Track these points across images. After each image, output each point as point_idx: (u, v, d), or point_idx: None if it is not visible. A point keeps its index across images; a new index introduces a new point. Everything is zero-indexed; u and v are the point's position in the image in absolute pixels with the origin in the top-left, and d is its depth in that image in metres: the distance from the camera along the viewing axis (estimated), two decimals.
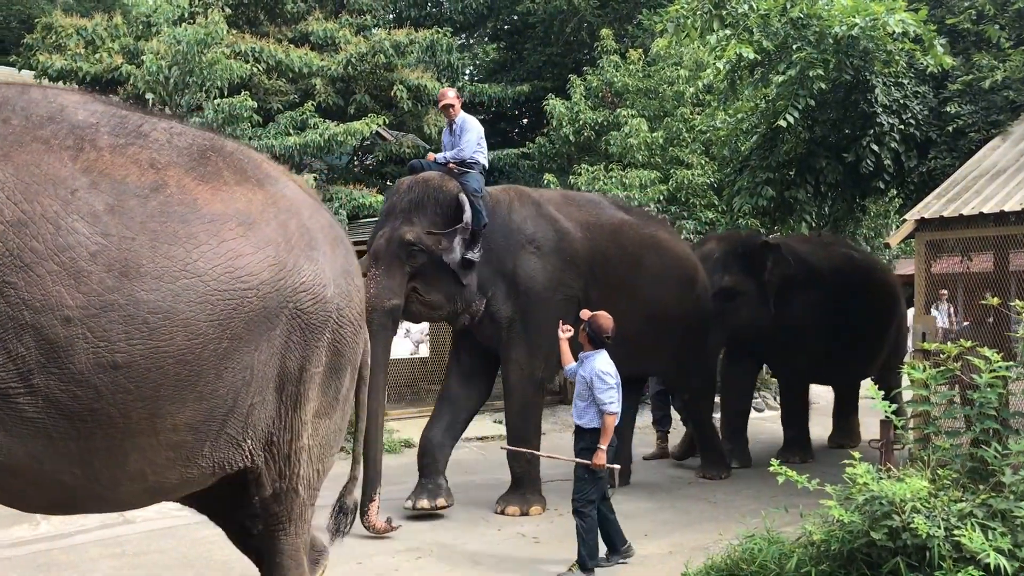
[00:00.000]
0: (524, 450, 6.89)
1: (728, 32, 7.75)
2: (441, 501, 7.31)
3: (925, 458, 4.98)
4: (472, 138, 7.46)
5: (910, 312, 13.19)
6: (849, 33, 7.28)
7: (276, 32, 14.22)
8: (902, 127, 7.86)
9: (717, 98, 9.38)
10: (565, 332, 6.27)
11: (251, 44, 12.89)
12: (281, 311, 3.60)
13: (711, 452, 9.02)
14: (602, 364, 5.82)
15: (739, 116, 9.45)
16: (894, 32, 7.25)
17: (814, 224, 8.83)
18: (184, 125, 3.97)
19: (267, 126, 12.26)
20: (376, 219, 8.43)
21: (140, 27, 12.56)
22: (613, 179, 12.43)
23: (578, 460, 5.81)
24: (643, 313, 7.79)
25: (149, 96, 11.48)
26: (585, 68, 15.67)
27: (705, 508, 7.77)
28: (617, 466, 5.89)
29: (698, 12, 7.58)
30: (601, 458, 5.69)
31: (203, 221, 3.42)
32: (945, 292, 9.84)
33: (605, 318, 5.90)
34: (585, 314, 6.00)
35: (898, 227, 7.42)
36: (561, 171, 14.32)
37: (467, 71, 19.45)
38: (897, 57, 7.73)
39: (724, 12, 7.57)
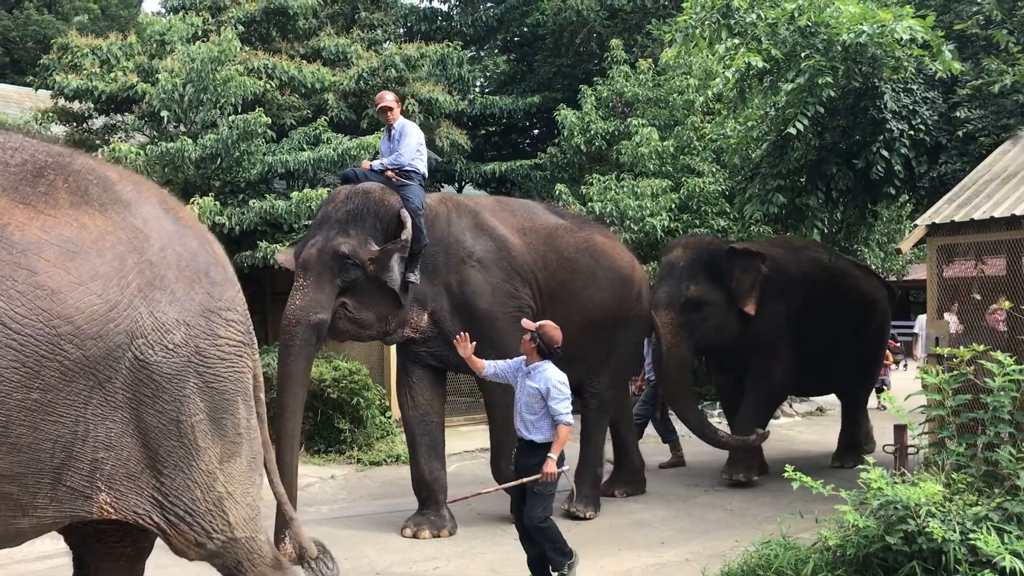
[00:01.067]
0: (469, 495, 6.18)
1: (736, 41, 7.79)
2: (445, 532, 7.11)
3: (940, 462, 5.00)
4: (411, 144, 7.12)
5: (920, 318, 13.20)
6: (857, 41, 7.31)
7: (288, 48, 14.35)
8: (912, 133, 7.87)
9: (727, 106, 9.39)
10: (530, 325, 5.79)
11: (264, 61, 13.01)
12: (116, 362, 3.20)
13: (583, 482, 7.83)
14: (557, 374, 5.62)
15: (749, 124, 9.47)
16: (902, 39, 7.28)
17: (826, 231, 8.79)
18: (32, 139, 3.52)
19: (281, 141, 12.37)
20: None
21: (154, 46, 12.69)
22: (624, 188, 12.47)
23: (530, 480, 5.50)
24: (578, 319, 7.44)
25: (164, 114, 11.60)
26: (595, 78, 15.74)
27: (722, 516, 7.79)
28: (566, 466, 5.67)
29: (706, 22, 7.62)
30: (552, 465, 5.45)
31: (9, 250, 2.97)
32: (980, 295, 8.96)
33: (554, 328, 5.69)
34: (528, 324, 5.75)
35: (910, 232, 7.42)
36: (572, 181, 14.38)
37: (478, 83, 19.56)
38: (906, 63, 7.75)
39: (732, 22, 7.61)
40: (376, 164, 7.20)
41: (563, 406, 5.52)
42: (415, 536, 6.98)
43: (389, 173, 7.04)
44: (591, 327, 7.61)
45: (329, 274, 6.68)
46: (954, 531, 4.34)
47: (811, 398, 14.49)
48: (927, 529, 4.33)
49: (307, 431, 10.54)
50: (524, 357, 5.73)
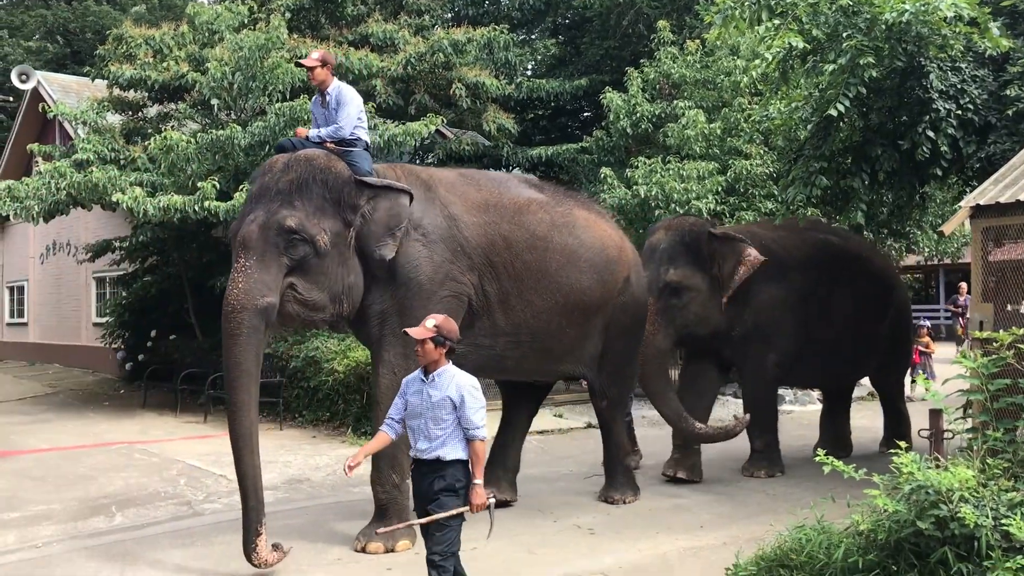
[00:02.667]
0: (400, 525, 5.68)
1: (777, 22, 7.70)
2: (404, 544, 6.28)
3: (976, 447, 4.94)
4: (351, 112, 6.38)
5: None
6: (900, 19, 7.17)
7: (336, 35, 14.52)
8: (959, 112, 7.71)
9: (769, 88, 9.27)
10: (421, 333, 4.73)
11: (312, 48, 13.16)
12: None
13: (614, 472, 7.79)
14: (468, 378, 4.76)
15: (793, 105, 9.35)
16: (947, 16, 7.13)
17: (871, 213, 8.66)
18: None
19: None
20: None
21: (205, 35, 12.95)
22: (671, 171, 12.41)
23: (456, 512, 4.62)
24: (555, 303, 6.92)
25: (214, 102, 11.86)
26: (642, 60, 15.65)
27: (763, 500, 7.76)
28: (493, 499, 4.79)
29: (746, 3, 7.53)
30: (480, 494, 4.65)
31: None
32: None
33: (448, 320, 4.83)
34: (415, 332, 4.72)
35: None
36: (619, 164, 14.34)
37: (528, 67, 19.56)
38: (953, 41, 7.59)
39: (773, 2, 7.51)
40: (312, 134, 6.44)
41: (479, 416, 4.66)
42: (364, 550, 6.19)
43: (329, 145, 6.35)
44: (574, 314, 7.07)
45: (274, 252, 5.96)
46: (987, 517, 4.29)
47: (861, 383, 14.33)
48: (959, 514, 4.28)
49: (355, 413, 10.75)
50: (414, 375, 4.86)
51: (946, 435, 5.43)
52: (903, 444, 4.77)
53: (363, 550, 6.16)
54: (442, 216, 6.59)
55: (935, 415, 5.38)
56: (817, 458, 4.98)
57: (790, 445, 9.83)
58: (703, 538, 6.56)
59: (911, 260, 18.10)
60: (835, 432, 9.81)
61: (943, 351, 15.18)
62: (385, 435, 4.91)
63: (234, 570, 5.86)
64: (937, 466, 4.69)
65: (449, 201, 6.69)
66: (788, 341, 8.67)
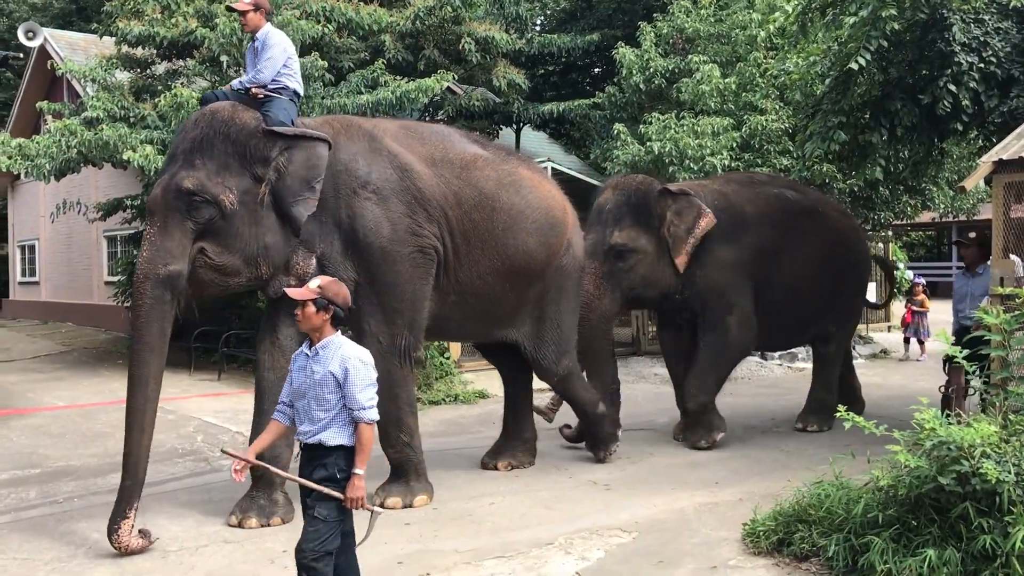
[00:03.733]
0: (250, 460, 4.19)
1: None
2: (276, 519, 5.88)
3: (998, 404, 4.93)
4: (275, 56, 5.94)
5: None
6: None
7: None
8: (982, 66, 7.59)
9: (788, 41, 9.13)
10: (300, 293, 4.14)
11: (321, 4, 13.01)
12: None
13: (595, 436, 7.60)
14: (357, 350, 4.11)
15: (811, 59, 9.22)
16: None
17: (891, 168, 8.56)
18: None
19: (339, 85, 12.43)
20: None
21: None
22: (684, 127, 12.28)
23: (329, 492, 3.97)
24: (500, 266, 6.56)
25: (224, 58, 11.73)
26: (655, 15, 15.44)
27: (778, 456, 7.77)
28: (380, 510, 4.29)
29: None
30: (359, 486, 3.98)
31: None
32: None
33: (336, 282, 4.21)
34: (297, 292, 4.12)
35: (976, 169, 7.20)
36: (632, 120, 14.21)
37: (537, 22, 19.33)
38: None
39: None
40: (235, 83, 6.06)
41: (366, 395, 4.02)
42: (240, 525, 5.82)
43: (255, 91, 5.90)
44: (517, 278, 6.71)
45: (177, 216, 5.58)
46: (1009, 472, 4.29)
47: (860, 344, 14.31)
48: (981, 470, 4.28)
49: None
50: (300, 349, 4.23)
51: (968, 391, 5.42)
52: (925, 400, 4.74)
53: (382, 505, 6.03)
54: (392, 168, 6.15)
55: (955, 371, 5.36)
56: (838, 414, 4.97)
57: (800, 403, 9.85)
58: (719, 494, 6.58)
59: (925, 217, 17.96)
60: (842, 391, 9.17)
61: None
62: (277, 423, 4.28)
63: (253, 525, 5.89)
64: (958, 422, 4.68)
65: (397, 151, 6.25)
66: (746, 300, 8.21)
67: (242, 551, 5.40)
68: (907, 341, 14.13)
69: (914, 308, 13.82)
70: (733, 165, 12.11)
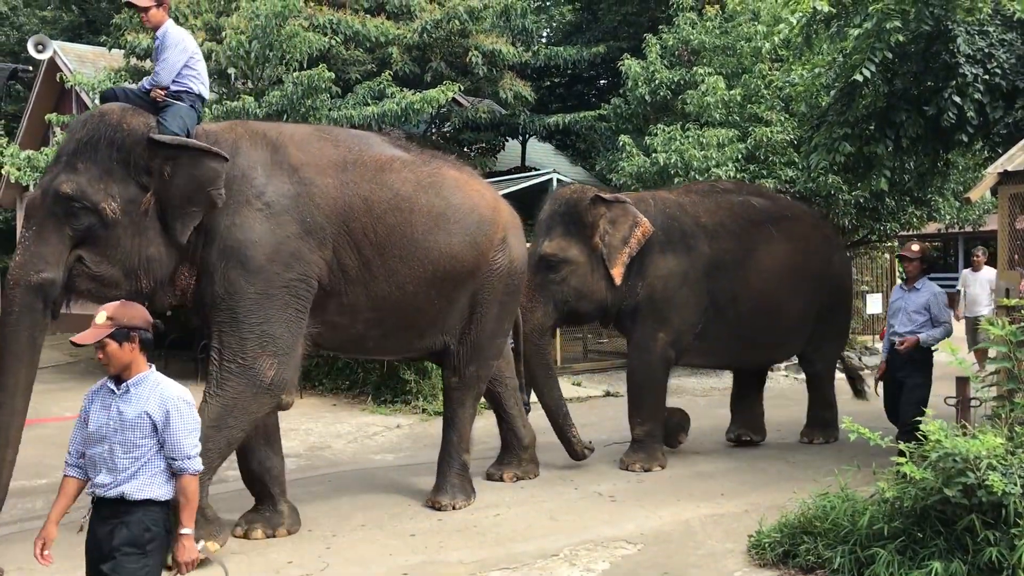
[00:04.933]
0: (50, 537, 3.69)
1: None
2: (282, 531, 5.92)
3: (1004, 415, 4.92)
4: (174, 58, 5.54)
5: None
6: None
7: (352, 2, 14.41)
8: (987, 77, 7.59)
9: (792, 53, 9.14)
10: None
11: (328, 16, 13.11)
12: None
13: (446, 470, 6.73)
14: (177, 390, 3.54)
15: (816, 71, 9.23)
16: None
17: (896, 179, 8.53)
18: None
19: (346, 96, 12.50)
20: None
21: (220, 3, 12.88)
22: (690, 138, 12.31)
23: None
24: (422, 272, 6.09)
25: (232, 71, 11.81)
26: (661, 26, 15.49)
27: (784, 468, 7.76)
28: (212, 545, 3.81)
29: None
30: (191, 551, 3.46)
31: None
32: None
33: (132, 304, 3.68)
34: (83, 337, 3.53)
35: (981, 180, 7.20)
36: (637, 132, 14.24)
37: (544, 34, 19.40)
38: (981, 4, 7.47)
39: None
40: (142, 82, 5.72)
41: (191, 442, 3.48)
42: (246, 536, 5.84)
43: (156, 93, 5.51)
44: (443, 282, 6.26)
45: (54, 221, 5.25)
46: (1015, 484, 4.28)
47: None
48: (987, 482, 4.27)
49: (374, 382, 10.81)
50: (99, 384, 3.63)
51: (972, 403, 5.41)
52: (931, 412, 4.74)
53: (245, 536, 5.85)
54: (291, 182, 5.68)
55: (961, 383, 5.36)
56: (844, 425, 4.96)
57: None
58: (725, 505, 6.57)
59: (931, 228, 17.94)
60: (747, 416, 8.75)
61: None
62: (72, 481, 3.64)
63: (259, 536, 5.90)
64: (964, 433, 4.67)
65: (301, 163, 5.77)
66: (684, 318, 7.80)
67: (247, 562, 5.41)
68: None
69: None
70: (739, 176, 12.11)
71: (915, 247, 6.97)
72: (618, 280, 7.57)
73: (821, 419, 8.79)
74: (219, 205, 5.39)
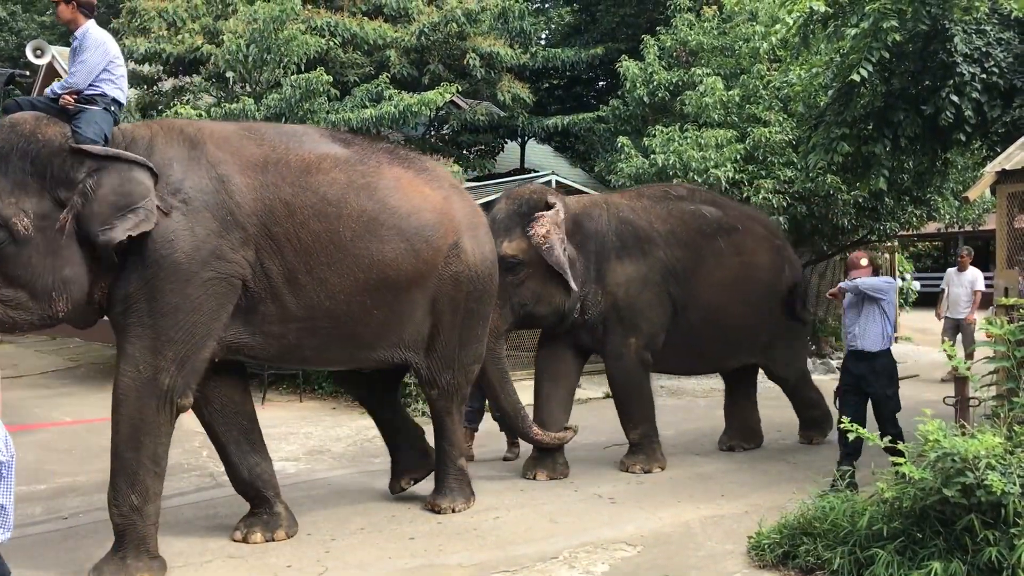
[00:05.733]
0: None
1: None
2: (281, 533, 5.90)
3: (1003, 415, 4.91)
4: (93, 60, 5.29)
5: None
6: None
7: (350, 5, 14.44)
8: (984, 76, 7.59)
9: (789, 54, 9.14)
10: None
11: (326, 19, 13.11)
12: None
13: (444, 476, 6.67)
14: None
15: (814, 71, 9.23)
16: None
17: (893, 179, 8.53)
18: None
19: (344, 99, 12.50)
20: None
21: (219, 6, 12.89)
22: (688, 139, 12.30)
23: None
24: (355, 280, 5.70)
25: (230, 74, 11.81)
26: (659, 28, 15.48)
27: (784, 469, 7.75)
28: None
29: None
30: None
31: None
32: None
33: None
34: None
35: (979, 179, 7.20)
36: (636, 133, 14.22)
37: (543, 36, 19.42)
38: (978, 3, 7.48)
39: None
40: (51, 88, 5.40)
41: None
42: (245, 540, 5.82)
43: (66, 99, 5.24)
44: (380, 292, 5.83)
45: None
46: (1014, 484, 4.27)
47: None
48: (986, 482, 4.26)
49: None
50: None
51: (972, 403, 5.40)
52: (929, 412, 4.73)
53: (244, 540, 5.80)
54: (209, 178, 5.34)
55: (960, 382, 5.35)
56: (841, 426, 4.96)
57: None
58: (725, 507, 6.56)
59: (931, 227, 17.94)
60: (741, 425, 8.71)
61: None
62: None
63: (258, 540, 5.89)
64: (963, 433, 4.66)
65: (219, 160, 5.42)
66: (652, 321, 7.72)
67: (246, 566, 5.40)
68: None
69: None
70: (737, 177, 12.11)
71: (864, 260, 6.81)
72: (573, 286, 7.40)
73: (811, 418, 8.82)
74: (151, 224, 5.03)
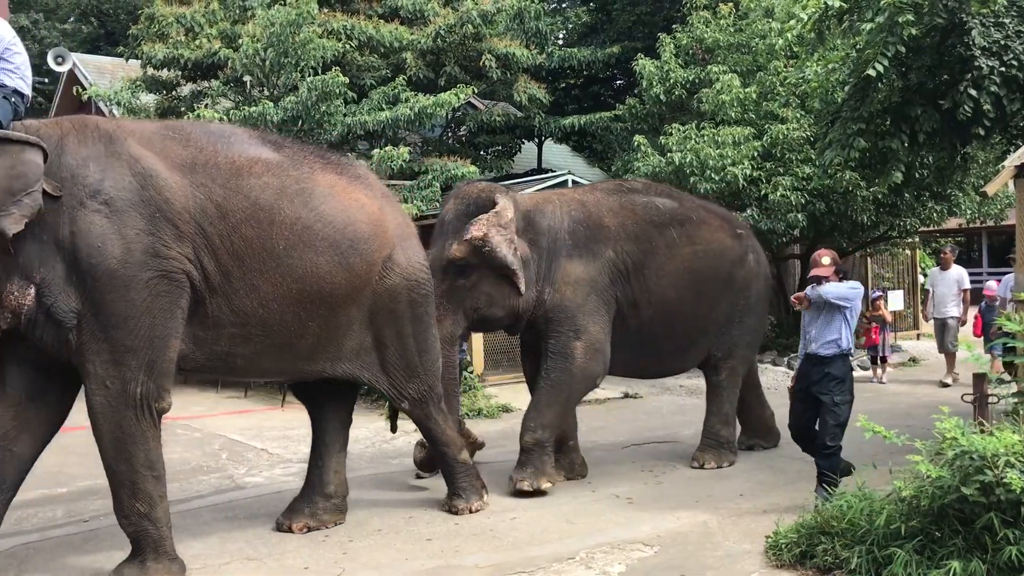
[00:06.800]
0: None
1: None
2: (328, 521, 6.09)
3: (1021, 412, 4.86)
4: None
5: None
6: None
7: (366, 8, 14.50)
8: (1003, 69, 7.51)
9: (805, 50, 9.08)
10: None
11: (343, 22, 13.17)
12: None
13: (452, 475, 6.57)
14: None
15: (830, 67, 9.17)
16: None
17: (912, 175, 8.44)
18: None
19: (361, 102, 12.54)
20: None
21: (236, 11, 12.98)
22: (705, 137, 12.25)
23: None
24: (287, 291, 5.41)
25: (247, 78, 11.90)
26: (675, 26, 15.45)
27: (802, 468, 7.68)
28: None
29: None
30: None
31: None
32: None
33: None
34: None
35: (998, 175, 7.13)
36: (653, 131, 14.20)
37: (560, 36, 19.42)
38: None
39: None
40: None
41: None
42: (290, 530, 6.03)
43: None
44: (313, 304, 5.56)
45: None
46: None
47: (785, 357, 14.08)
48: (1005, 480, 4.22)
49: None
50: None
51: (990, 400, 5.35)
52: (946, 409, 4.68)
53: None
54: (131, 175, 4.98)
55: (978, 379, 5.29)
56: (859, 423, 4.92)
57: None
58: (743, 506, 6.53)
59: (952, 223, 17.74)
60: (755, 423, 8.45)
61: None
62: None
63: (276, 541, 5.93)
64: (982, 431, 4.62)
65: (140, 156, 5.07)
66: (600, 327, 7.27)
67: (264, 568, 5.43)
68: (874, 361, 12.82)
69: (876, 326, 12.53)
70: (755, 175, 12.06)
71: (825, 259, 6.39)
72: (521, 286, 7.03)
73: (715, 438, 7.98)
74: (38, 208, 4.69)
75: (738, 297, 7.97)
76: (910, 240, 15.14)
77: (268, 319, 5.38)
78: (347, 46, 12.93)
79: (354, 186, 5.94)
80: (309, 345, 5.69)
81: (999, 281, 11.13)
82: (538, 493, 6.91)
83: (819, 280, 6.33)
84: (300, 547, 5.79)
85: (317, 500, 6.25)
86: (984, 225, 20.26)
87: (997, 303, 10.74)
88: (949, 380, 11.99)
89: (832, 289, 6.24)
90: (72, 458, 8.50)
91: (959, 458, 4.40)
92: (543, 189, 13.73)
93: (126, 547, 5.45)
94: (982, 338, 10.86)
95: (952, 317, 12.06)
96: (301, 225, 5.46)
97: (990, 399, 5.34)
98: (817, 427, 6.31)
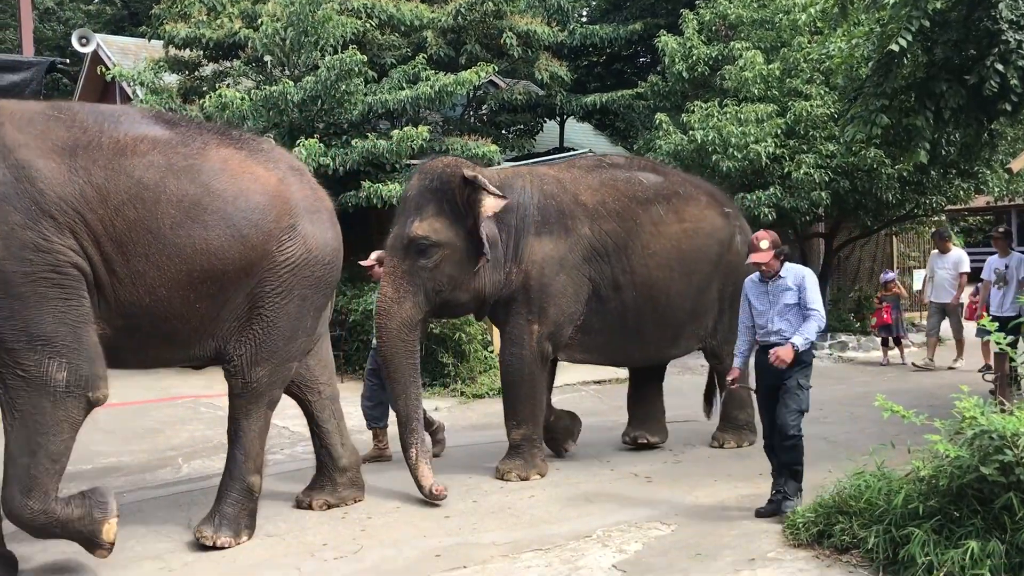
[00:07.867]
0: None
1: None
2: (349, 498, 6.22)
3: None
4: None
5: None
6: None
7: None
8: None
9: (829, 25, 8.95)
10: None
11: (363, 1, 13.12)
12: None
13: (224, 494, 5.68)
14: None
15: (854, 42, 9.03)
16: None
17: (936, 151, 8.30)
18: None
19: (381, 81, 12.53)
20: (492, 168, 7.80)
21: None
22: (728, 114, 12.15)
23: None
24: (175, 274, 5.09)
25: (268, 58, 11.90)
26: (698, 2, 15.29)
27: (823, 447, 7.65)
28: None
29: None
30: None
31: None
32: None
33: None
34: None
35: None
36: (676, 109, 14.09)
37: (584, 13, 19.28)
38: None
39: None
40: None
41: None
42: (311, 507, 6.11)
43: None
44: (204, 284, 5.22)
45: None
46: None
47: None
48: None
49: None
50: None
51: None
52: (966, 388, 4.63)
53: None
54: (5, 167, 4.72)
55: (1000, 358, 5.24)
56: (877, 403, 4.89)
57: (854, 392, 9.70)
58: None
59: (980, 201, 17.53)
60: (644, 416, 7.88)
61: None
62: None
63: (296, 519, 5.99)
64: (1002, 410, 4.57)
65: (18, 144, 4.80)
66: (562, 308, 6.94)
67: (283, 544, 5.49)
68: (885, 343, 12.72)
69: (889, 307, 12.45)
70: (778, 152, 11.95)
71: (764, 242, 5.85)
72: (485, 263, 6.70)
73: (733, 420, 7.82)
74: None
75: (727, 281, 7.61)
76: (936, 219, 14.98)
77: (155, 307, 5.13)
78: (367, 25, 12.89)
79: (251, 160, 5.58)
80: (192, 329, 5.38)
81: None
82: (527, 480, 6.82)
83: (758, 266, 5.89)
84: (320, 524, 5.85)
85: (335, 475, 6.28)
86: (1013, 203, 20.02)
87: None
88: (957, 365, 11.84)
89: (805, 339, 5.73)
90: (97, 436, 8.60)
91: (978, 437, 4.36)
92: None
93: (148, 523, 5.54)
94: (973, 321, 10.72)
95: (950, 303, 11.82)
96: (189, 201, 5.15)
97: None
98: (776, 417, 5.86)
